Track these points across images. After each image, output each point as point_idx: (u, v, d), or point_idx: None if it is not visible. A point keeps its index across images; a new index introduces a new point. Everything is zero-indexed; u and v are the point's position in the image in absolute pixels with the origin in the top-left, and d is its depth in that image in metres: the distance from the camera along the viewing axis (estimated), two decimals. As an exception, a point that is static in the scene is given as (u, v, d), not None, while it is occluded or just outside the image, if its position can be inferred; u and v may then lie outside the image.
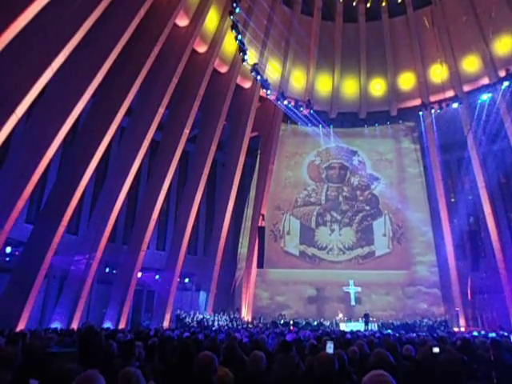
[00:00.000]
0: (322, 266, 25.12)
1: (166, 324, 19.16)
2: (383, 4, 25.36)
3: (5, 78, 12.33)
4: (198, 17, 20.02)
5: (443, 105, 24.39)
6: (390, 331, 15.97)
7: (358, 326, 20.19)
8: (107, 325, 17.25)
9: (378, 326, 20.66)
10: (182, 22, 19.82)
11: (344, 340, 7.58)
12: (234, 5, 20.88)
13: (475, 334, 13.62)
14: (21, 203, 13.34)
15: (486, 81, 23.25)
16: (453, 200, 25.47)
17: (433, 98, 25.34)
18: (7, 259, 15.55)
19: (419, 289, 24.05)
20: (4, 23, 11.35)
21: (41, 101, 14.34)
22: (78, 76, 14.69)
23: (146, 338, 7.30)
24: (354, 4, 25.57)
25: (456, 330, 20.45)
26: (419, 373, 3.99)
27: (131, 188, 18.92)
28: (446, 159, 25.84)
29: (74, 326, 15.74)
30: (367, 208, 26.35)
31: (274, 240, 25.70)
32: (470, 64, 24.06)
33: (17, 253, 15.64)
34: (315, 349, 5.09)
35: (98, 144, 16.03)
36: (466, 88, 24.24)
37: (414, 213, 25.54)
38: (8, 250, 15.18)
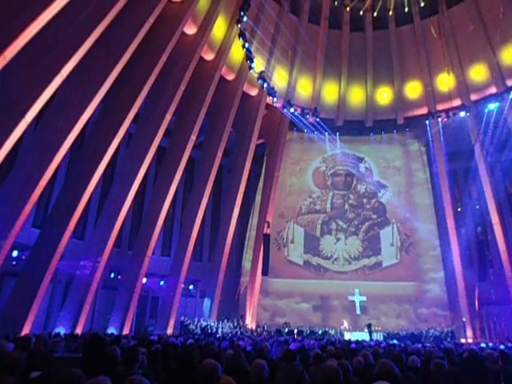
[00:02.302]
0: (327, 277, 24.62)
1: (169, 330, 19.11)
2: (390, 13, 25.44)
3: (15, 84, 12.53)
4: (205, 25, 20.25)
5: (450, 114, 24.32)
6: (395, 341, 15.77)
7: (363, 335, 19.96)
8: (111, 330, 17.25)
9: (384, 335, 20.39)
10: (190, 30, 20.06)
11: (349, 350, 7.50)
12: (242, 13, 21.10)
13: (483, 345, 13.40)
14: (28, 207, 13.48)
15: (493, 90, 23.16)
16: (459, 209, 25.23)
17: (440, 107, 25.28)
18: (14, 263, 15.65)
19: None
20: (16, 30, 11.57)
21: (50, 107, 14.54)
22: (87, 82, 14.89)
23: (150, 344, 7.28)
24: (361, 13, 25.70)
25: (463, 341, 20.13)
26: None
27: (137, 194, 19.03)
28: (453, 168, 25.66)
29: (79, 330, 15.77)
30: (374, 216, 25.99)
31: (278, 249, 25.34)
32: (478, 73, 24.01)
33: (23, 257, 15.75)
34: (320, 358, 5.04)
35: (106, 150, 16.19)
36: (474, 97, 24.16)
37: (423, 224, 24.91)
38: (15, 253, 15.29)
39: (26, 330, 13.55)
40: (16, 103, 12.38)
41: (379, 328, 21.16)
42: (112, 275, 19.58)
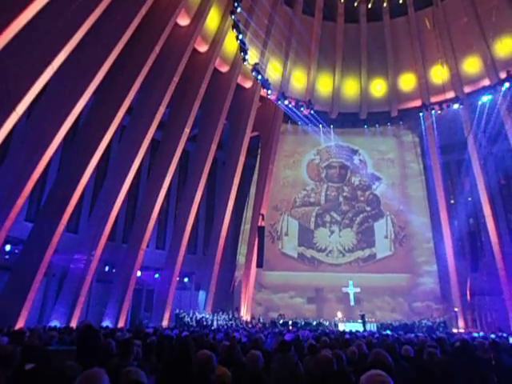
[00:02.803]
0: (321, 269, 24.72)
1: (165, 323, 19.16)
2: (384, 5, 25.34)
3: (6, 76, 12.34)
4: (199, 16, 20.03)
5: (444, 106, 24.35)
6: (388, 332, 15.96)
7: (357, 326, 20.17)
8: (106, 323, 17.26)
9: (377, 326, 20.61)
10: (183, 21, 19.83)
11: (343, 340, 7.58)
12: (235, 4, 20.85)
13: (475, 335, 13.60)
14: (21, 201, 13.36)
15: (486, 82, 23.23)
16: (452, 201, 25.43)
17: (433, 99, 25.32)
18: (7, 257, 15.57)
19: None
20: (6, 21, 11.37)
21: (41, 99, 14.35)
22: (78, 74, 14.70)
23: (145, 336, 7.30)
24: (356, 4, 25.55)
25: (455, 331, 20.42)
26: (417, 373, 3.98)
27: (131, 187, 18.93)
28: (446, 160, 25.81)
29: (73, 324, 15.75)
30: (368, 209, 26.09)
31: (272, 241, 25.35)
32: (471, 65, 24.06)
33: (16, 251, 15.66)
34: (314, 348, 5.09)
35: (99, 142, 16.05)
36: (467, 89, 24.24)
37: (417, 216, 25.00)
38: (8, 248, 15.20)
39: (20, 324, 13.51)
40: (7, 95, 12.20)
41: (373, 319, 21.37)
42: (106, 268, 19.54)
